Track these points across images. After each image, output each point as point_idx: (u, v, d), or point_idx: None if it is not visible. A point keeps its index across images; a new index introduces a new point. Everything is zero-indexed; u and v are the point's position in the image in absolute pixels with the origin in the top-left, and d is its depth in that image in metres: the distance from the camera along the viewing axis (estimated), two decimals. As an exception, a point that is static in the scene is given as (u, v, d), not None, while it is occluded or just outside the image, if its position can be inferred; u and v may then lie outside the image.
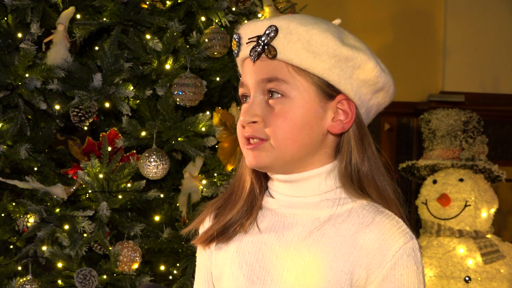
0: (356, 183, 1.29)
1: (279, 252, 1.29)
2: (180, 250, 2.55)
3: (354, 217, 1.27)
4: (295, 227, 1.30)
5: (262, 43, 1.27)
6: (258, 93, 1.28)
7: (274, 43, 1.26)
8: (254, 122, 1.28)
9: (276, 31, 1.26)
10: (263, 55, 1.27)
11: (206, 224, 1.39)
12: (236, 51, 1.33)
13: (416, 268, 1.26)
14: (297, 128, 1.27)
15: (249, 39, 1.29)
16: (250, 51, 1.28)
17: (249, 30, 1.30)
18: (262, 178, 1.35)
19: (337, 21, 1.36)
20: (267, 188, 1.36)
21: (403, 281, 1.25)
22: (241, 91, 1.33)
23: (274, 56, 1.26)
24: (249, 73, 1.30)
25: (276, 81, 1.26)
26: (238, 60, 1.34)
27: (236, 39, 1.32)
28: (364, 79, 1.28)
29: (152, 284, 1.81)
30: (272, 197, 1.34)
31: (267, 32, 1.26)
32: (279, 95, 1.27)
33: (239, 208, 1.34)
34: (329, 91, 1.27)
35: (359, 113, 1.30)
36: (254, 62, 1.28)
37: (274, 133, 1.27)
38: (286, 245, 1.29)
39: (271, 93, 1.28)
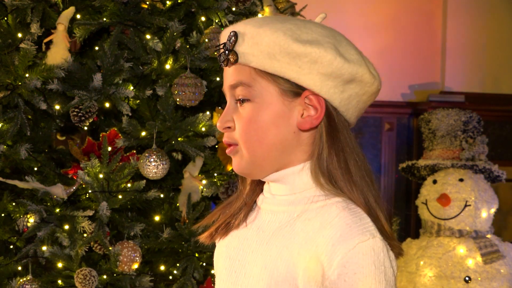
0: (328, 179, 1.28)
1: (254, 247, 1.32)
2: (180, 250, 2.55)
3: (323, 214, 1.27)
4: (272, 223, 1.32)
5: (226, 50, 1.30)
6: (231, 98, 1.32)
7: (236, 48, 1.29)
8: (229, 127, 1.31)
9: (236, 36, 1.29)
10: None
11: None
12: (218, 58, 1.37)
13: (375, 268, 1.22)
14: (262, 130, 1.28)
15: (215, 46, 1.33)
16: (220, 58, 1.32)
17: (222, 37, 1.34)
18: (254, 180, 1.38)
19: (321, 16, 1.36)
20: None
21: (357, 280, 1.21)
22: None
23: (236, 61, 1.29)
24: (224, 79, 1.34)
25: (241, 85, 1.29)
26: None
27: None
28: (326, 72, 1.27)
29: None
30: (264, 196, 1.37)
31: (229, 38, 1.30)
32: (246, 100, 1.29)
33: (235, 206, 1.38)
34: (293, 89, 1.28)
35: (330, 106, 1.29)
36: (223, 68, 1.33)
37: (241, 137, 1.30)
38: (260, 240, 1.32)
39: (240, 99, 1.31)
